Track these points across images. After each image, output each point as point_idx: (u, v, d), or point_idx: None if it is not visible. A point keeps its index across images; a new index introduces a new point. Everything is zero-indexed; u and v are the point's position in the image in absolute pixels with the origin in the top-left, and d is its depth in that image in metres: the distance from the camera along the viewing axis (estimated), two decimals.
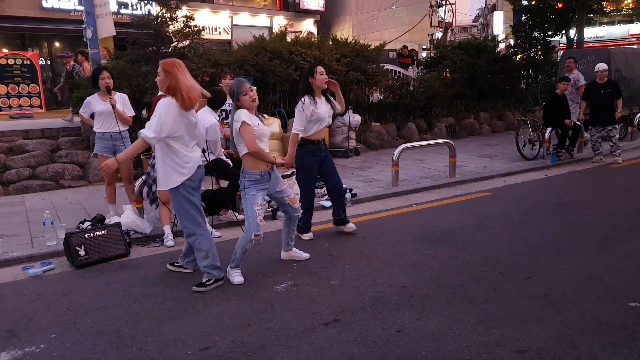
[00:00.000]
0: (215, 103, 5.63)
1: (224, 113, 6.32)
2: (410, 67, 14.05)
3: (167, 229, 5.15)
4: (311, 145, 4.85)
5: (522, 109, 13.14)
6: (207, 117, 5.50)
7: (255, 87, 4.12)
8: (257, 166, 4.03)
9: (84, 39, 9.16)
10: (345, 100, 5.01)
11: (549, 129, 8.83)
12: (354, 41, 11.07)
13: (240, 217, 5.61)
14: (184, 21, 9.30)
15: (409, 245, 4.79)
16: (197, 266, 4.05)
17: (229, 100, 6.28)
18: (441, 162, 8.68)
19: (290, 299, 3.68)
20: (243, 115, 3.91)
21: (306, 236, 5.12)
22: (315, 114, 4.73)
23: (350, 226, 5.24)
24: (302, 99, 4.76)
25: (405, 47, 16.19)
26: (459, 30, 49.10)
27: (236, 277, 4.05)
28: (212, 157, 5.49)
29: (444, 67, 12.58)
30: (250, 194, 4.03)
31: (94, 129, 5.70)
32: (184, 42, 9.45)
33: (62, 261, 4.67)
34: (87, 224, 5.28)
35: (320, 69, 4.78)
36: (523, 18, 15.14)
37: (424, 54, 16.06)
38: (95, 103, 5.57)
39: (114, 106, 5.46)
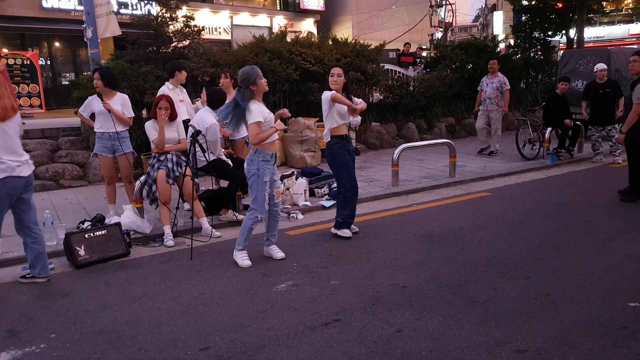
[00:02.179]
0: (214, 103, 5.63)
1: None
2: (412, 67, 14.01)
3: (167, 229, 5.15)
4: (336, 139, 4.96)
5: (522, 109, 13.14)
6: (206, 117, 5.51)
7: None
8: (270, 147, 4.32)
9: (84, 39, 9.16)
10: None
11: (549, 129, 8.83)
12: (354, 41, 11.06)
13: (240, 217, 5.62)
14: (184, 21, 9.30)
15: (409, 245, 4.79)
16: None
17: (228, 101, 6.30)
18: (441, 162, 8.68)
19: (290, 299, 3.68)
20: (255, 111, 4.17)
21: (346, 233, 5.10)
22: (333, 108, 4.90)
23: (353, 227, 5.23)
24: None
25: (408, 44, 16.15)
26: (459, 30, 49.13)
27: (245, 261, 4.35)
28: (212, 157, 5.50)
29: (444, 67, 12.57)
30: (264, 180, 4.30)
31: (95, 129, 5.69)
32: (184, 42, 9.45)
33: (62, 261, 4.67)
34: (87, 224, 5.28)
35: (332, 70, 4.91)
36: (523, 18, 15.14)
37: (424, 54, 15.94)
38: (95, 103, 5.56)
39: (109, 110, 5.44)
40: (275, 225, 4.59)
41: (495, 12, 36.36)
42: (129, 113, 5.66)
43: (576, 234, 4.98)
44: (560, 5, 14.38)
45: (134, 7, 16.42)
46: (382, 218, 5.87)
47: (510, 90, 9.47)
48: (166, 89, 6.14)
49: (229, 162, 5.75)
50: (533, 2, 14.94)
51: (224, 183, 5.94)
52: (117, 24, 8.75)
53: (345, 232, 5.06)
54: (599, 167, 8.54)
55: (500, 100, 9.31)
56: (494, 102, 9.35)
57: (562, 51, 15.22)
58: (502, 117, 9.50)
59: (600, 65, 8.65)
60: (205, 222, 5.29)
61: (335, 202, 5.68)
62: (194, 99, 7.64)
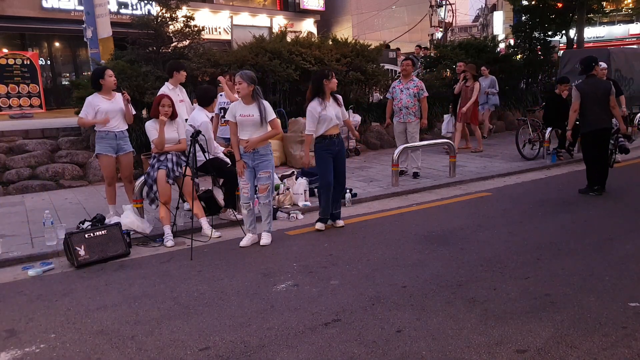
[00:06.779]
0: (204, 100, 5.64)
1: (222, 111, 6.38)
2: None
3: (167, 229, 5.15)
4: (318, 140, 5.42)
5: (522, 109, 13.14)
6: (198, 115, 5.54)
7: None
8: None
9: (84, 39, 9.17)
10: (345, 100, 5.21)
11: (549, 129, 8.83)
12: (354, 41, 11.07)
13: (240, 216, 5.62)
14: (184, 21, 9.31)
15: (409, 245, 4.79)
16: None
17: (223, 99, 6.36)
18: (441, 162, 8.68)
19: (290, 299, 3.68)
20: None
21: (318, 225, 5.43)
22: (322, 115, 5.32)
23: (340, 222, 5.52)
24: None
25: (397, 49, 16.09)
26: (459, 30, 49.15)
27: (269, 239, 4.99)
28: (210, 156, 5.50)
29: (444, 67, 12.57)
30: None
31: (96, 129, 5.65)
32: (184, 42, 9.46)
33: (62, 261, 4.67)
34: (87, 224, 5.28)
35: (333, 72, 5.43)
36: (523, 18, 15.13)
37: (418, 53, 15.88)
38: (99, 102, 5.50)
39: (129, 100, 5.63)
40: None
41: (495, 12, 36.37)
42: (132, 110, 5.81)
43: (576, 234, 4.98)
44: (560, 5, 14.38)
45: (134, 7, 16.45)
46: (382, 218, 5.87)
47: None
48: (166, 89, 6.13)
49: (228, 160, 5.75)
50: (533, 2, 14.93)
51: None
52: (110, 26, 8.80)
53: (317, 225, 5.42)
54: None
55: (418, 110, 7.55)
56: (412, 112, 7.52)
57: (562, 51, 15.22)
58: (418, 130, 7.70)
59: (601, 64, 8.64)
60: (205, 222, 5.29)
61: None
62: (193, 99, 7.64)
